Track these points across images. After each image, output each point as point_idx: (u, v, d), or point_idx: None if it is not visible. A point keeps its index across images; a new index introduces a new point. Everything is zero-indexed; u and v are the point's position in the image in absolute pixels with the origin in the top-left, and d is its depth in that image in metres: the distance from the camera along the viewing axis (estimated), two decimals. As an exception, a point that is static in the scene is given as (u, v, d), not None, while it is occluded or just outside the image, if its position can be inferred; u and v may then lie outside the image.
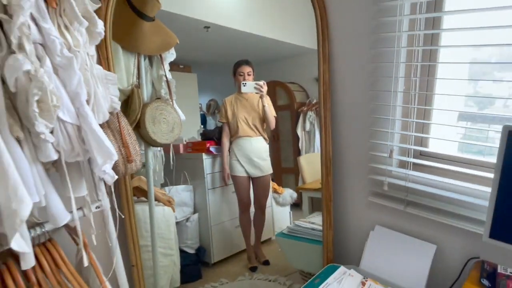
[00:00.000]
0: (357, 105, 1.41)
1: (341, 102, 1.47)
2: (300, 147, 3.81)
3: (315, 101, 3.82)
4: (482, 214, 1.10)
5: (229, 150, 2.51)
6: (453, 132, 1.32)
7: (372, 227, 1.41)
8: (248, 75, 2.40)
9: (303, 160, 2.62)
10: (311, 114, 3.76)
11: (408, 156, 1.31)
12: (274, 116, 2.40)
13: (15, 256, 0.97)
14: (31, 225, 0.97)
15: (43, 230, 0.99)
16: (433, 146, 1.32)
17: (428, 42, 1.22)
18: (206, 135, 2.87)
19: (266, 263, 2.55)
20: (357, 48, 1.37)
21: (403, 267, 1.27)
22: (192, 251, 2.55)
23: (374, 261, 1.34)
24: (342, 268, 1.33)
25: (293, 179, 3.71)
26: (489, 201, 0.95)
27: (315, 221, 1.78)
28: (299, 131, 3.84)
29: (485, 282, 1.03)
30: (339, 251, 1.59)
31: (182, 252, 2.42)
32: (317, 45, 1.42)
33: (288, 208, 3.17)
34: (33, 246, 0.99)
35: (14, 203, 0.72)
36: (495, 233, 0.96)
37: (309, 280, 1.31)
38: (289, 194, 3.17)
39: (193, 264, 2.44)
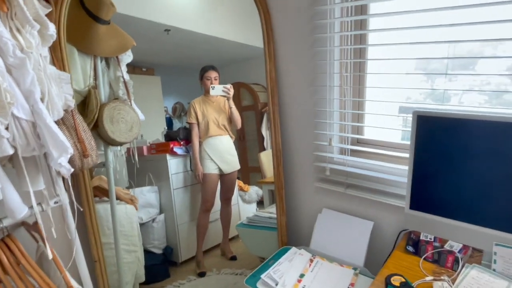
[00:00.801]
0: (302, 99, 1.55)
1: (288, 97, 1.60)
2: (265, 146, 3.93)
3: (277, 101, 3.98)
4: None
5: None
6: (395, 122, 1.48)
7: (320, 210, 1.55)
8: (215, 79, 2.55)
9: (263, 156, 2.74)
10: (274, 114, 3.90)
11: (346, 144, 1.46)
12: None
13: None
14: (-12, 221, 1.00)
15: (1, 225, 1.03)
16: (369, 134, 1.48)
17: (357, 41, 1.38)
18: (170, 136, 2.92)
19: (234, 258, 2.64)
20: (299, 47, 1.51)
21: (346, 244, 1.42)
22: (159, 251, 2.57)
23: (322, 241, 1.48)
24: (293, 249, 1.46)
25: (260, 177, 3.82)
26: (407, 177, 1.11)
27: (272, 210, 1.90)
28: (264, 130, 3.94)
29: (410, 248, 1.19)
30: (292, 234, 1.72)
31: (149, 252, 2.46)
32: (263, 45, 1.54)
33: (254, 205, 3.27)
34: (-9, 241, 1.03)
35: (-30, 195, 0.77)
36: (413, 205, 1.12)
37: (264, 262, 1.42)
38: (254, 191, 3.27)
39: (161, 263, 2.48)
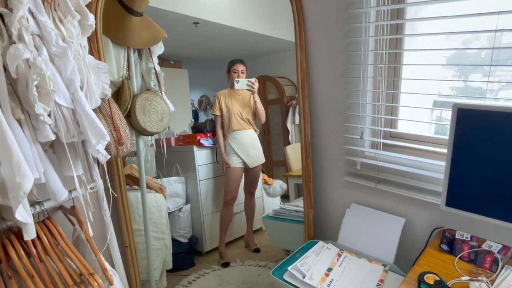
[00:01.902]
0: (333, 91, 1.52)
1: (318, 88, 1.58)
2: (290, 140, 3.91)
3: (303, 94, 3.93)
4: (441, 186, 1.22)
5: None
6: (428, 116, 1.43)
7: (349, 205, 1.52)
8: (242, 73, 2.54)
9: (289, 149, 2.73)
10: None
11: (379, 137, 1.42)
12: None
13: (15, 234, 1.06)
14: (31, 203, 1.06)
15: (42, 208, 1.08)
16: (403, 128, 1.43)
17: (393, 31, 1.33)
18: (197, 128, 2.96)
19: (257, 250, 2.66)
20: (331, 38, 1.48)
21: (376, 240, 1.39)
22: (185, 240, 2.64)
23: (350, 236, 1.46)
24: (320, 243, 1.44)
25: (284, 171, 3.80)
26: (444, 173, 1.06)
27: (299, 204, 1.89)
28: (289, 124, 3.92)
29: (444, 247, 1.14)
30: (319, 228, 1.70)
31: (175, 241, 2.52)
32: (294, 35, 1.52)
33: (278, 199, 3.27)
34: (34, 222, 1.08)
35: (18, 177, 0.81)
36: (449, 202, 1.07)
37: (290, 254, 1.42)
38: (279, 185, 3.27)
39: (186, 252, 2.54)
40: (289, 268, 1.27)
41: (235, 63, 2.56)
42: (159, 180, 2.51)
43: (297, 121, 3.91)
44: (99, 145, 0.97)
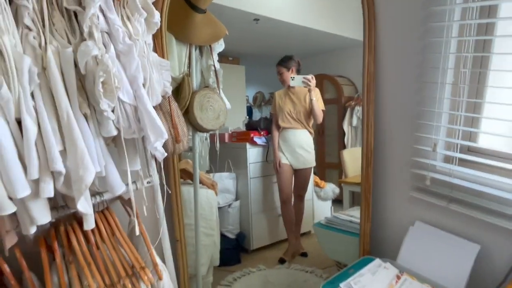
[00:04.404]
0: (402, 97, 1.38)
1: (386, 93, 1.44)
2: (345, 143, 3.74)
3: (363, 95, 3.73)
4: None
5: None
6: None
7: (412, 222, 1.38)
8: (280, 74, 2.48)
9: (347, 154, 2.59)
10: (359, 109, 3.66)
11: (455, 151, 1.26)
12: (322, 110, 2.41)
13: (77, 220, 1.12)
14: (92, 194, 1.10)
15: (102, 198, 1.12)
16: (484, 142, 1.25)
17: (481, 32, 1.16)
18: (251, 125, 2.95)
19: (304, 255, 2.58)
20: (405, 38, 1.34)
21: (443, 266, 1.24)
22: (232, 236, 2.65)
23: (411, 257, 1.32)
24: (377, 261, 1.33)
25: (337, 174, 3.67)
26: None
27: (354, 214, 1.77)
28: (346, 126, 3.76)
29: (531, 286, 0.98)
30: (375, 244, 1.57)
31: (222, 236, 2.54)
32: (363, 35, 1.40)
33: (329, 203, 3.16)
34: (94, 212, 1.13)
35: (81, 169, 0.84)
36: (544, 235, 0.91)
37: (343, 270, 1.32)
38: (331, 189, 3.15)
39: (233, 248, 2.55)
40: (341, 285, 1.18)
41: (277, 64, 2.51)
42: (211, 174, 2.55)
43: (354, 123, 3.73)
44: (157, 142, 0.97)
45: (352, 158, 2.56)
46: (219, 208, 2.60)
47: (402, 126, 1.40)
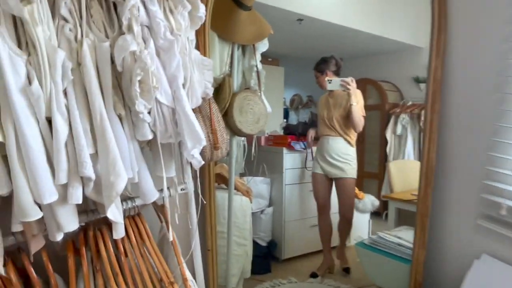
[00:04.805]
0: (476, 109, 1.19)
1: (454, 104, 1.26)
2: (387, 152, 3.52)
3: (410, 103, 3.49)
4: None
5: None
6: None
7: (477, 255, 1.18)
8: (317, 78, 2.36)
9: (393, 166, 2.38)
10: (404, 117, 3.45)
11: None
12: (364, 116, 2.22)
13: (108, 225, 1.06)
14: (124, 199, 1.04)
15: (133, 204, 1.06)
16: None
17: None
18: (289, 130, 2.84)
19: (347, 270, 2.39)
20: (484, 40, 1.15)
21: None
22: (263, 244, 2.55)
23: (475, 296, 1.13)
24: (433, 296, 1.16)
25: (376, 185, 3.45)
26: None
27: (402, 235, 1.59)
28: (389, 135, 3.54)
29: None
30: (430, 275, 1.39)
31: (253, 243, 2.45)
32: (430, 37, 1.23)
33: (367, 216, 2.96)
34: (124, 217, 1.07)
35: (112, 176, 0.77)
36: None
37: (392, 301, 1.17)
38: (370, 201, 2.95)
39: (264, 256, 2.45)
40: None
41: (314, 68, 2.38)
42: (245, 178, 2.47)
43: (398, 131, 3.51)
44: (195, 149, 0.88)
45: (399, 172, 2.34)
46: (252, 213, 2.51)
47: (472, 142, 1.21)
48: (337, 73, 2.32)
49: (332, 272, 2.42)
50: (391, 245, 1.53)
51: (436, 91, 1.23)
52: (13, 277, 0.88)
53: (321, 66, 2.33)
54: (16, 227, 0.79)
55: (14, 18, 0.66)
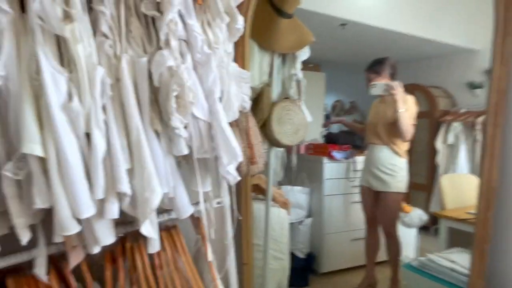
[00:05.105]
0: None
1: (521, 117, 1.11)
2: (436, 163, 3.30)
3: (464, 110, 3.24)
4: None
5: None
6: None
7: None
8: (370, 80, 2.09)
9: (446, 180, 2.19)
10: (457, 126, 3.21)
11: None
12: (413, 124, 2.02)
13: (145, 237, 1.06)
14: (160, 211, 1.04)
15: (169, 217, 1.05)
16: None
17: None
18: (330, 138, 2.74)
19: None
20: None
21: None
22: (301, 256, 2.49)
23: None
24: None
25: (424, 197, 3.24)
26: None
27: (456, 259, 1.44)
28: (439, 144, 3.33)
29: None
30: (489, 308, 1.24)
31: (291, 254, 2.38)
32: (493, 42, 1.10)
33: (414, 231, 2.76)
34: (160, 230, 1.07)
35: (147, 192, 0.76)
36: None
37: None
38: (417, 215, 2.72)
39: (301, 269, 2.39)
40: None
41: (366, 70, 2.15)
42: (283, 188, 2.41)
43: (450, 140, 3.28)
44: (231, 165, 0.85)
45: (453, 187, 2.13)
46: (289, 224, 2.45)
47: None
48: (393, 77, 2.10)
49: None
50: (443, 269, 1.39)
51: (500, 103, 1.09)
52: (55, 285, 0.90)
53: (376, 67, 2.10)
54: (58, 238, 0.81)
55: (57, 36, 0.67)
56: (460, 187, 2.15)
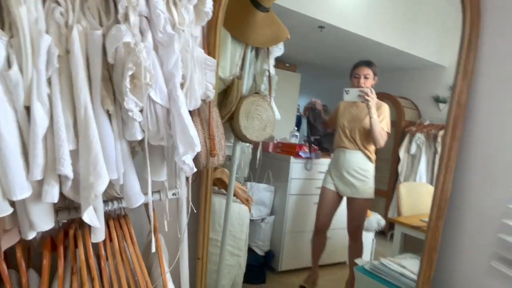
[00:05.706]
0: (501, 140, 1.08)
1: (478, 131, 1.15)
2: (398, 171, 3.41)
3: (428, 122, 3.37)
4: None
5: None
6: None
7: (488, 300, 1.08)
8: (365, 78, 2.05)
9: (404, 188, 2.26)
10: (420, 136, 3.32)
11: None
12: (387, 132, 2.06)
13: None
14: (110, 198, 0.98)
15: (120, 205, 0.99)
16: None
17: None
18: (310, 141, 2.74)
19: None
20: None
21: None
22: (261, 253, 2.47)
23: None
24: None
25: (383, 203, 3.33)
26: None
27: (407, 264, 1.48)
28: (402, 153, 3.42)
29: None
30: (433, 313, 1.28)
31: (251, 251, 2.37)
32: (457, 56, 1.13)
33: (371, 235, 2.84)
34: (109, 219, 1.01)
35: (92, 176, 0.70)
36: None
37: None
38: (376, 219, 2.82)
39: (259, 266, 2.38)
40: None
41: (359, 65, 2.09)
42: (248, 185, 2.39)
43: (412, 150, 3.38)
44: (187, 155, 0.80)
45: (410, 194, 2.21)
46: (252, 220, 2.43)
47: (494, 176, 1.11)
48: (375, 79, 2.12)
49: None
50: (393, 274, 1.42)
51: (459, 116, 1.12)
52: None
53: (369, 68, 2.09)
54: (-13, 220, 0.74)
55: (-2, -5, 0.60)
56: (417, 195, 2.23)
